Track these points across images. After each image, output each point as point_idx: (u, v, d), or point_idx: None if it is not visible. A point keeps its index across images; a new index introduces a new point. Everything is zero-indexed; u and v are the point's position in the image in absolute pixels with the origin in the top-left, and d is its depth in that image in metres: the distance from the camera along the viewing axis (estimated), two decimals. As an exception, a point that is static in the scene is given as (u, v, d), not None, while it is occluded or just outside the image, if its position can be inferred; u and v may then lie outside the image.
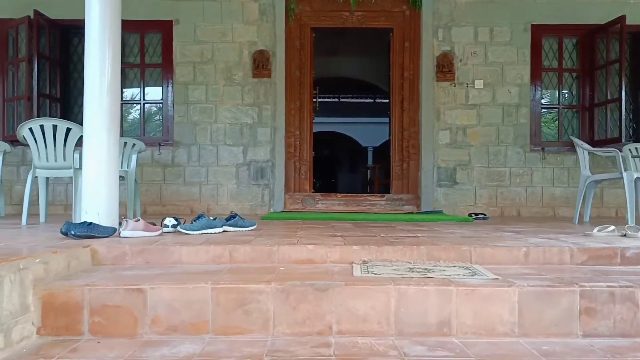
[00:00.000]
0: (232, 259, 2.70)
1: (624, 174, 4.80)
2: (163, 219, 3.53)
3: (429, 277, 2.30)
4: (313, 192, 6.58)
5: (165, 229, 3.47)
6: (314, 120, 6.75)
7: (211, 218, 3.50)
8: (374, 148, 25.04)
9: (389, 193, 6.75)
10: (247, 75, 6.38)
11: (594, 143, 6.21)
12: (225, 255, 2.70)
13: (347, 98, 25.65)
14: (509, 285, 2.18)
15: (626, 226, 3.38)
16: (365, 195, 6.59)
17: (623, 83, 5.84)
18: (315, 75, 6.68)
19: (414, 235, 3.33)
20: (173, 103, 6.36)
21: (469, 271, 2.47)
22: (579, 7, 6.37)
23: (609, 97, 6.11)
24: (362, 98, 25.23)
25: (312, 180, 6.65)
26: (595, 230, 3.40)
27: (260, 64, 6.33)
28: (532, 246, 2.74)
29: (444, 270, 2.47)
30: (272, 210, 6.32)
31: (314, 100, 6.80)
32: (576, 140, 5.21)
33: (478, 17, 6.40)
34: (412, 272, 2.44)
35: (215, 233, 3.42)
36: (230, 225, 3.58)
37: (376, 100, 24.87)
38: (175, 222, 3.50)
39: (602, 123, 6.35)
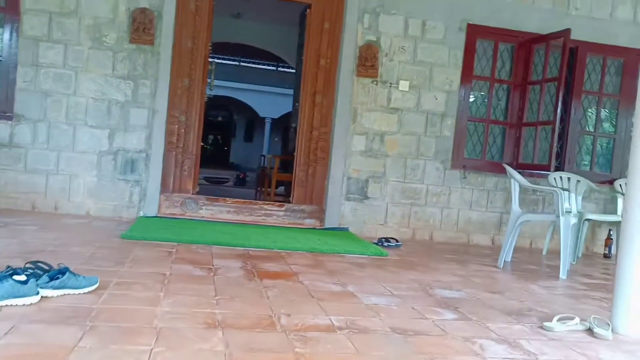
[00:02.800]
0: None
1: (561, 219, 4.16)
2: (-62, 276, 2.22)
3: None
4: (197, 194, 5.37)
5: (-62, 294, 2.16)
6: (205, 101, 5.49)
7: (20, 278, 2.23)
8: (273, 119, 23.93)
9: (289, 199, 5.73)
10: (122, 39, 4.95)
11: (518, 166, 5.61)
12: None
13: (249, 63, 24.20)
14: None
15: (592, 317, 2.64)
16: (260, 202, 5.50)
17: (559, 105, 5.23)
18: (213, 38, 5.38)
19: (326, 321, 2.32)
20: (17, 63, 4.78)
21: None
22: (518, 10, 5.65)
23: (540, 118, 5.50)
24: (264, 65, 23.90)
25: (197, 178, 5.43)
26: (554, 320, 2.62)
27: (141, 26, 4.93)
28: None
29: None
30: (141, 213, 5.04)
31: (208, 80, 5.54)
32: (510, 170, 4.50)
33: (411, 6, 5.45)
34: None
35: (25, 305, 2.18)
36: (54, 288, 2.35)
37: (279, 68, 23.71)
38: (-42, 283, 2.20)
39: (528, 144, 5.76)
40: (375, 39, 5.40)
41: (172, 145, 5.23)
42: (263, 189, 8.27)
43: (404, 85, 5.47)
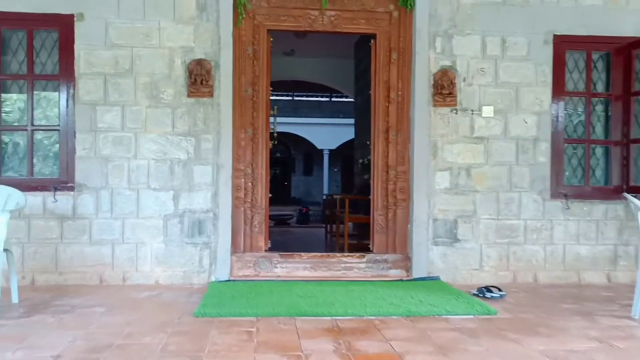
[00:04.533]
0: None
1: None
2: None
3: None
4: (269, 251, 4.94)
5: None
6: (270, 149, 5.11)
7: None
8: (330, 150, 23.65)
9: (366, 243, 5.21)
10: (180, 94, 4.66)
11: (629, 189, 4.86)
12: None
13: (302, 96, 24.17)
14: None
15: None
16: (338, 255, 4.99)
17: (677, 116, 4.50)
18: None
19: None
20: (75, 130, 4.56)
21: None
22: (610, 15, 4.98)
23: (653, 133, 4.77)
24: (318, 96, 23.79)
25: (269, 233, 5.00)
26: None
27: (199, 78, 4.62)
28: None
29: None
30: (213, 278, 4.64)
31: (272, 126, 5.17)
32: (634, 201, 3.80)
33: (487, 24, 4.90)
34: None
35: None
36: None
37: (333, 99, 23.52)
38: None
39: (638, 163, 5.01)
40: (450, 64, 4.87)
41: (240, 201, 4.85)
42: (334, 231, 7.83)
43: (487, 110, 4.89)
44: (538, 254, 4.94)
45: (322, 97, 23.71)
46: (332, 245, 7.67)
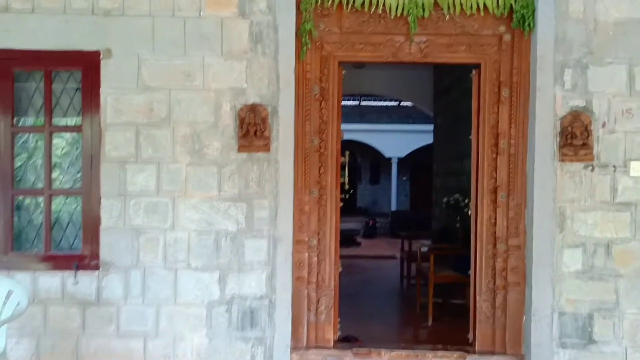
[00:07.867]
0: None
1: None
2: None
3: None
4: (340, 342, 3.88)
5: None
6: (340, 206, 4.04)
7: None
8: (399, 159, 22.43)
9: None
10: (228, 148, 3.67)
11: None
12: None
13: (369, 101, 23.00)
14: None
15: None
16: (429, 354, 3.84)
17: None
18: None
19: None
20: (99, 195, 3.67)
21: None
22: None
23: None
24: (386, 101, 22.56)
25: (338, 322, 3.94)
26: None
27: (252, 128, 3.62)
28: None
29: None
30: (269, 384, 3.65)
31: (342, 181, 4.11)
32: None
33: (636, 48, 3.61)
34: None
35: None
36: None
37: (401, 105, 22.19)
38: None
39: None
40: (583, 104, 3.62)
41: (302, 281, 3.82)
42: (412, 276, 6.70)
43: (636, 167, 3.60)
44: None
45: (390, 101, 22.48)
46: (410, 297, 6.52)
